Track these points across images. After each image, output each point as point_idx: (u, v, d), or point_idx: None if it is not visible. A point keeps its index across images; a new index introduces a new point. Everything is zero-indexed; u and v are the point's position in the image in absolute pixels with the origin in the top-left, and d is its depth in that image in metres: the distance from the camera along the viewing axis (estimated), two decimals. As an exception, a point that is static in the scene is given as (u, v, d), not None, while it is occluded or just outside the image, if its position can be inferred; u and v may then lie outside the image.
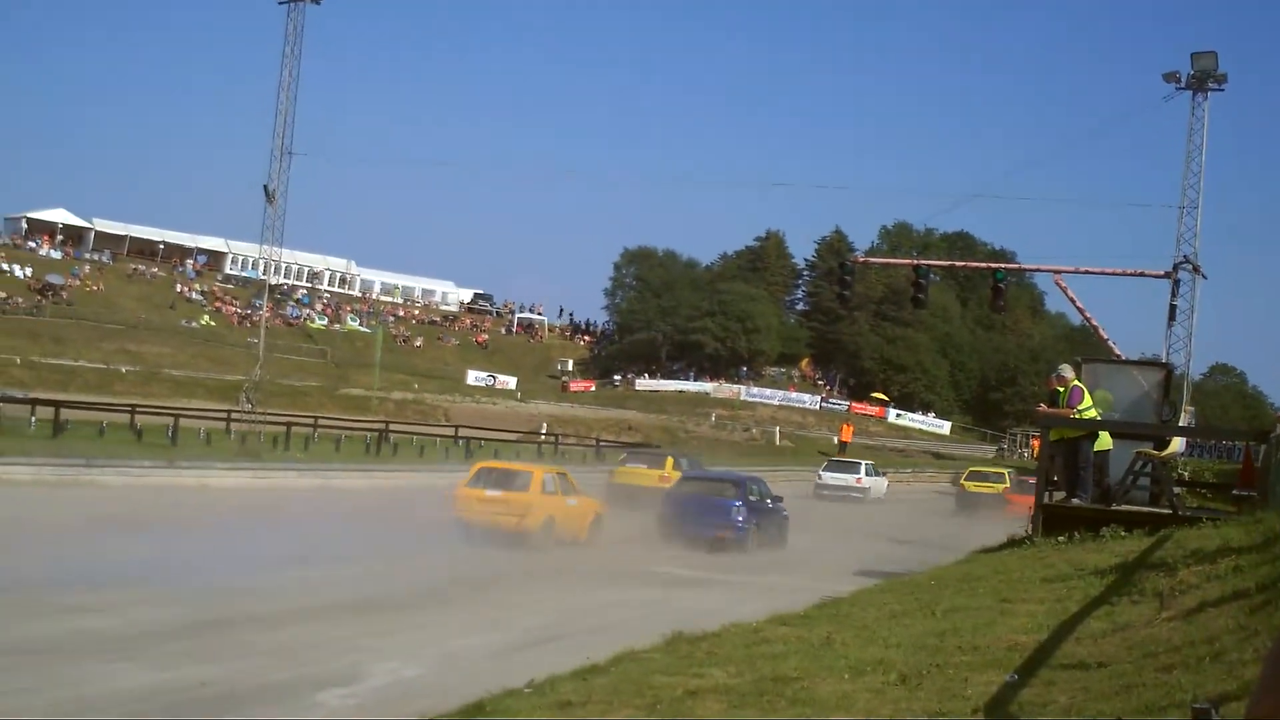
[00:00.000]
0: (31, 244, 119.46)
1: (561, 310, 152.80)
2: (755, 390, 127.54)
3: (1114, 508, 23.16)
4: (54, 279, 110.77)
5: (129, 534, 28.82)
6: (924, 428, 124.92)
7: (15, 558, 24.16)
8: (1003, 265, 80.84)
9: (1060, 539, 21.47)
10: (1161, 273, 61.49)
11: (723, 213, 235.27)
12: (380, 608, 22.10)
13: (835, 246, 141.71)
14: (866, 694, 11.52)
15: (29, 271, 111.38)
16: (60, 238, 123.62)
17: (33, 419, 47.73)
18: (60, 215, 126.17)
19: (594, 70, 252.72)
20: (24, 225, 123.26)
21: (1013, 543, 23.25)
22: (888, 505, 62.17)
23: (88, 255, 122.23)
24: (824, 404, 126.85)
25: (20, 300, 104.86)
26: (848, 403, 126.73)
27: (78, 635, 17.79)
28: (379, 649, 18.33)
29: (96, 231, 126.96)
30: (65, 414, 48.29)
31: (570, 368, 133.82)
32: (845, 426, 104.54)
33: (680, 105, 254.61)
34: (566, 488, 35.86)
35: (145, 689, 15.02)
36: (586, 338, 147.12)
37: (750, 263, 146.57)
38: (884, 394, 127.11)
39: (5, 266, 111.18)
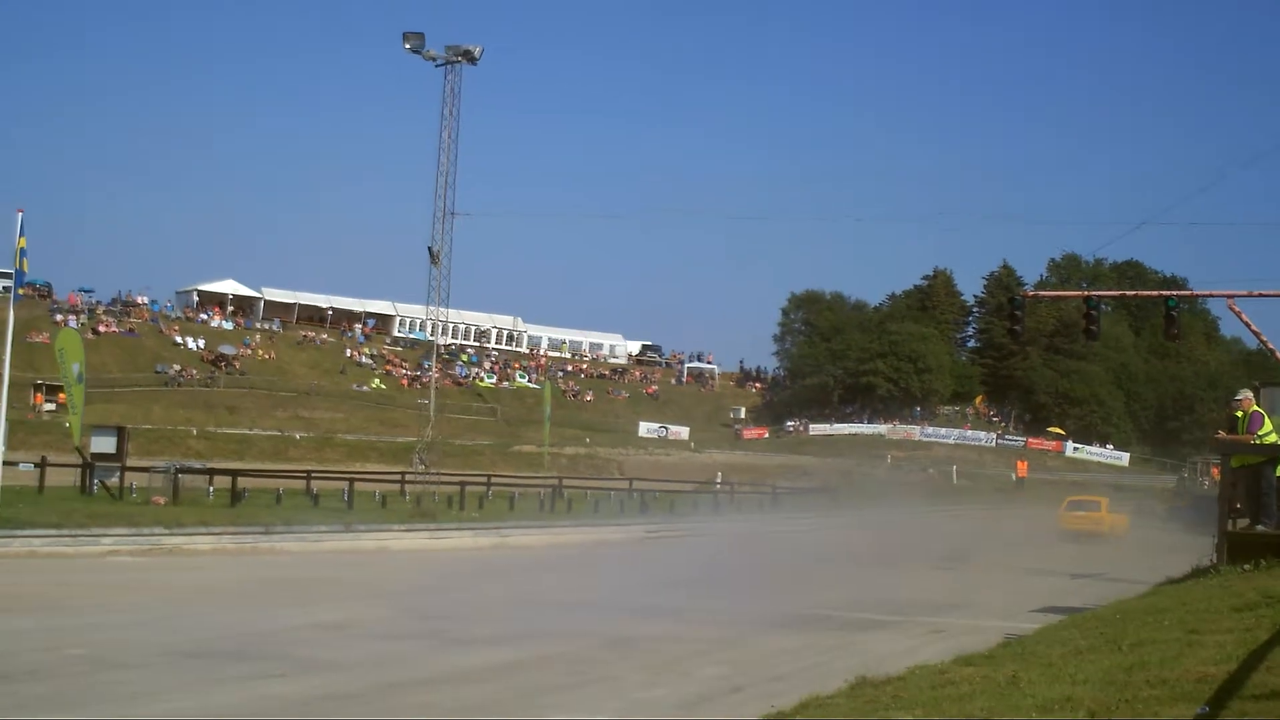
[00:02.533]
0: (203, 316, 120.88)
1: (736, 360, 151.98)
2: (930, 429, 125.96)
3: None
4: (226, 349, 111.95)
5: (306, 601, 28.16)
6: (1102, 460, 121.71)
7: (203, 623, 24.09)
8: (1175, 293, 78.39)
9: (1246, 566, 21.22)
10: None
11: (889, 253, 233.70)
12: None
13: (1004, 281, 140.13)
14: (1056, 733, 11.26)
15: (202, 343, 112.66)
16: (231, 308, 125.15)
17: (210, 489, 47.65)
18: (230, 286, 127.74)
19: (754, 115, 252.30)
20: (195, 298, 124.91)
21: (1197, 572, 23.07)
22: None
23: (258, 324, 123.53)
24: (999, 441, 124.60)
25: (194, 372, 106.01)
26: (1024, 438, 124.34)
27: (263, 700, 17.35)
28: (560, 705, 18.00)
29: (266, 300, 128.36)
30: (242, 482, 48.12)
31: (743, 415, 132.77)
32: (1020, 463, 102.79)
33: (839, 144, 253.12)
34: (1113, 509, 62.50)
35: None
36: (757, 384, 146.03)
37: (919, 302, 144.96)
38: (1060, 428, 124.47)
39: (179, 339, 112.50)
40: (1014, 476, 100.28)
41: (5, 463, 38.91)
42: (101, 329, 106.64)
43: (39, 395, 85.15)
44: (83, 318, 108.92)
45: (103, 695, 17.11)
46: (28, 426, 68.22)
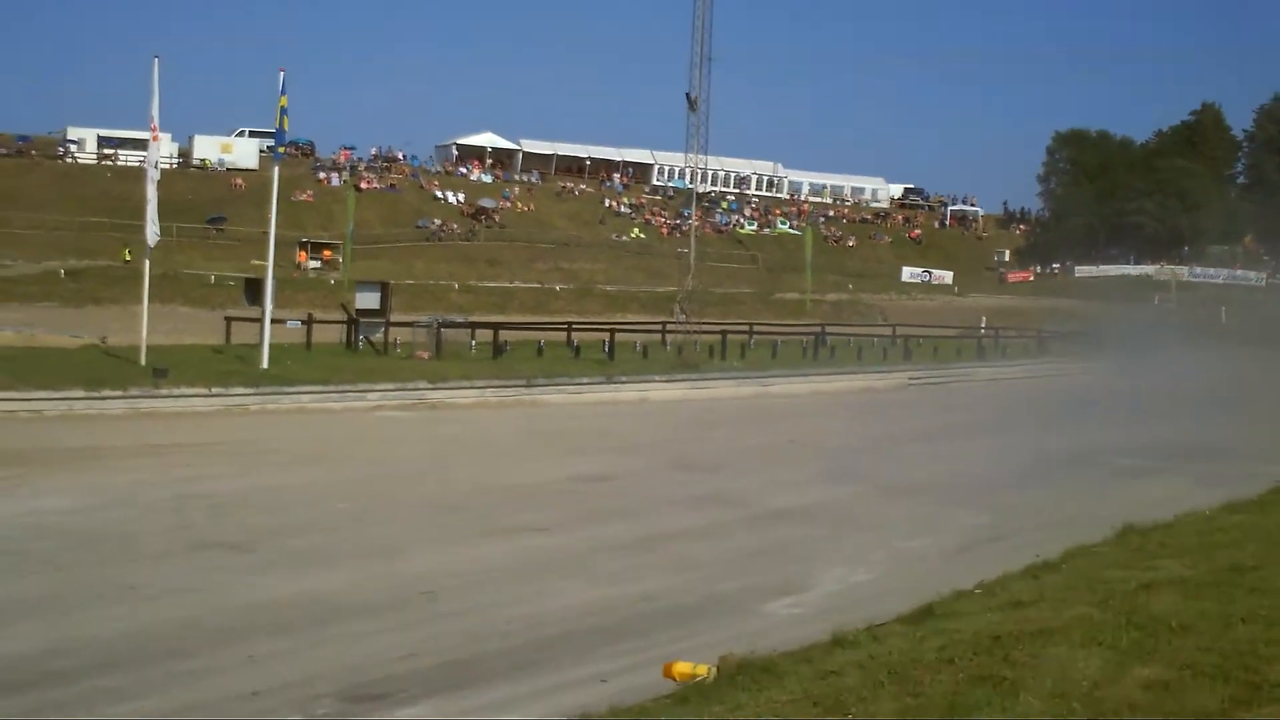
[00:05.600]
0: (463, 170, 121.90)
1: (1000, 202, 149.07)
2: (1199, 270, 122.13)
3: None
4: (486, 203, 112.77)
5: (567, 453, 28.14)
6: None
7: (465, 477, 24.35)
8: None
9: None
10: None
11: (1155, 88, 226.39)
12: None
13: (1275, 114, 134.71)
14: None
15: (462, 197, 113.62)
16: (489, 161, 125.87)
17: (473, 342, 47.89)
18: (488, 139, 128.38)
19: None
20: (454, 152, 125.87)
21: None
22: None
23: (517, 177, 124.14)
24: (1270, 280, 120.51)
25: (455, 226, 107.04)
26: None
27: (527, 553, 17.52)
28: (825, 555, 17.90)
29: (524, 153, 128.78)
30: (504, 335, 48.35)
31: (1007, 258, 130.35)
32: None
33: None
34: None
35: (596, 603, 14.74)
36: (1022, 227, 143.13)
37: (1186, 138, 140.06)
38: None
39: (439, 194, 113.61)
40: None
41: (273, 320, 39.51)
42: (363, 185, 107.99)
43: (303, 253, 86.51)
44: (345, 175, 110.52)
45: (370, 550, 17.18)
46: (293, 284, 69.41)
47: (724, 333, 54.12)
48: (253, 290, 45.52)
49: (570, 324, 55.24)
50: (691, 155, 54.19)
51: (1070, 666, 8.79)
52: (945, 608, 11.81)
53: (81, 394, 30.97)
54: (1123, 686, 8.24)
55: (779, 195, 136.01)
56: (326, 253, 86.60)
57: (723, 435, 33.07)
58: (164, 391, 32.44)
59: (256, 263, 61.52)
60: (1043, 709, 7.79)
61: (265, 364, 37.19)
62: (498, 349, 46.56)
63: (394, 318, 48.18)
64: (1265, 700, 7.88)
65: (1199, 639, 9.43)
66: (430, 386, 37.80)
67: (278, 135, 42.01)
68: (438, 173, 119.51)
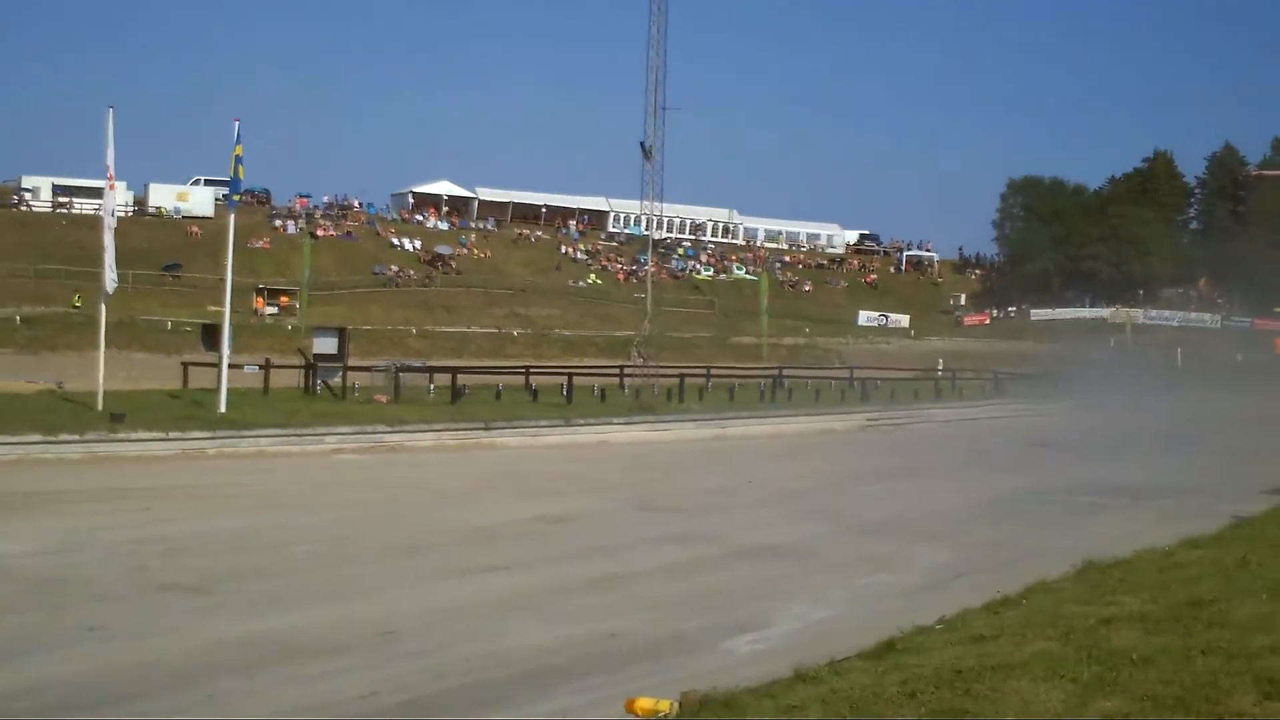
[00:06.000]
0: (419, 217, 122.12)
1: (955, 247, 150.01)
2: (1154, 313, 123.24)
3: None
4: (442, 250, 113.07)
5: (528, 495, 28.11)
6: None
7: (425, 518, 24.37)
8: None
9: None
10: None
11: (1108, 136, 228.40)
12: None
13: (1226, 162, 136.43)
14: (1286, 614, 11.29)
15: (418, 244, 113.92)
16: (446, 209, 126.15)
17: (431, 386, 47.93)
18: (444, 187, 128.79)
19: (971, 5, 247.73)
20: (410, 200, 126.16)
21: None
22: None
23: (473, 224, 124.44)
24: (1225, 323, 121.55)
25: (412, 273, 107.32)
26: (1250, 320, 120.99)
27: (488, 593, 17.51)
28: (787, 593, 18.02)
29: (480, 200, 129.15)
30: (462, 379, 48.27)
31: (963, 302, 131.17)
32: (1278, 341, 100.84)
33: (1054, 31, 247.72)
34: None
35: (557, 642, 14.73)
36: (977, 271, 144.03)
37: (1139, 185, 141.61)
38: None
39: (395, 241, 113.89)
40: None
41: (230, 365, 39.41)
42: (319, 233, 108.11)
43: (260, 299, 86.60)
44: (301, 222, 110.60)
45: (330, 591, 17.15)
46: (250, 330, 69.39)
47: (681, 376, 54.25)
48: (210, 336, 45.46)
49: (528, 368, 55.31)
50: (647, 202, 54.35)
51: (1033, 700, 8.88)
52: (907, 643, 11.89)
53: (38, 438, 30.75)
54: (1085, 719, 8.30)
55: (735, 241, 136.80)
56: (283, 299, 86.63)
57: (682, 477, 33.11)
58: (121, 436, 32.27)
59: (213, 309, 61.35)
60: (1006, 741, 7.84)
61: (223, 408, 37.04)
62: (456, 393, 46.51)
63: (352, 363, 48.12)
64: (1226, 731, 7.96)
65: (1160, 672, 9.52)
66: (389, 430, 37.75)
67: (233, 184, 42.01)
68: (394, 220, 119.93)
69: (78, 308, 74.87)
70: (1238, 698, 8.71)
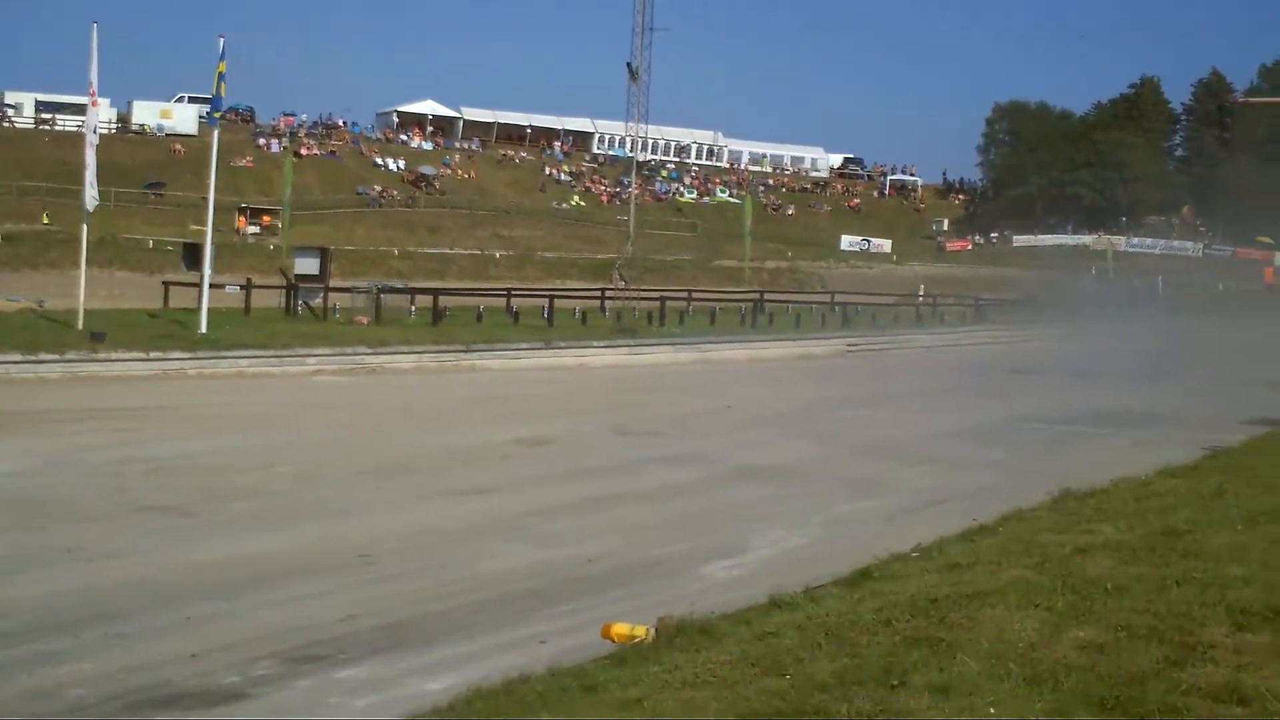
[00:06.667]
0: (403, 137, 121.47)
1: (939, 172, 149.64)
2: (1136, 240, 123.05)
3: None
4: (426, 170, 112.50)
5: (507, 418, 28.12)
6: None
7: (405, 440, 24.49)
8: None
9: None
10: None
11: (1095, 61, 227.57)
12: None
13: (1213, 89, 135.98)
14: (1262, 544, 11.51)
15: (402, 164, 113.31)
16: (430, 129, 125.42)
17: (412, 308, 47.84)
18: (429, 107, 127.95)
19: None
20: (395, 119, 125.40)
21: None
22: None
23: (457, 144, 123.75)
24: (1207, 251, 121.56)
25: (395, 193, 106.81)
26: (1231, 248, 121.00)
27: (467, 516, 17.56)
28: (764, 517, 18.09)
29: (465, 120, 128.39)
30: (443, 301, 48.30)
31: (945, 227, 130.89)
32: (1268, 270, 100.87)
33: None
34: None
35: (535, 566, 14.81)
36: (961, 196, 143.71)
37: (1125, 111, 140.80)
38: (1270, 238, 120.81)
39: (379, 161, 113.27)
40: (1265, 284, 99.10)
41: (211, 285, 39.33)
42: (303, 152, 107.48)
43: (242, 218, 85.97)
44: (285, 141, 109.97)
45: (310, 513, 17.19)
46: (232, 249, 69.00)
47: (662, 300, 54.28)
48: (191, 255, 45.40)
49: (509, 290, 55.22)
50: (632, 124, 54.19)
51: (1006, 628, 8.89)
52: (882, 570, 11.92)
53: (18, 357, 30.77)
54: (1058, 647, 8.34)
55: (719, 164, 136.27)
56: (265, 218, 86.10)
57: (661, 401, 33.12)
58: (101, 355, 32.31)
59: (195, 228, 61.16)
60: (979, 669, 7.86)
61: (204, 328, 37.02)
62: (437, 315, 46.50)
63: (333, 283, 48.08)
64: (1199, 660, 8.00)
65: (1134, 601, 9.55)
66: (370, 351, 37.77)
67: (214, 101, 41.92)
68: (378, 140, 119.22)
69: (46, 224, 74.58)
70: (1211, 628, 8.73)
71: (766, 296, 64.52)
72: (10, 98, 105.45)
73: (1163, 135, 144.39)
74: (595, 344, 44.79)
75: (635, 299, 51.82)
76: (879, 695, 7.41)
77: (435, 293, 49.68)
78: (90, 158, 37.58)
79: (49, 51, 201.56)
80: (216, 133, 41.72)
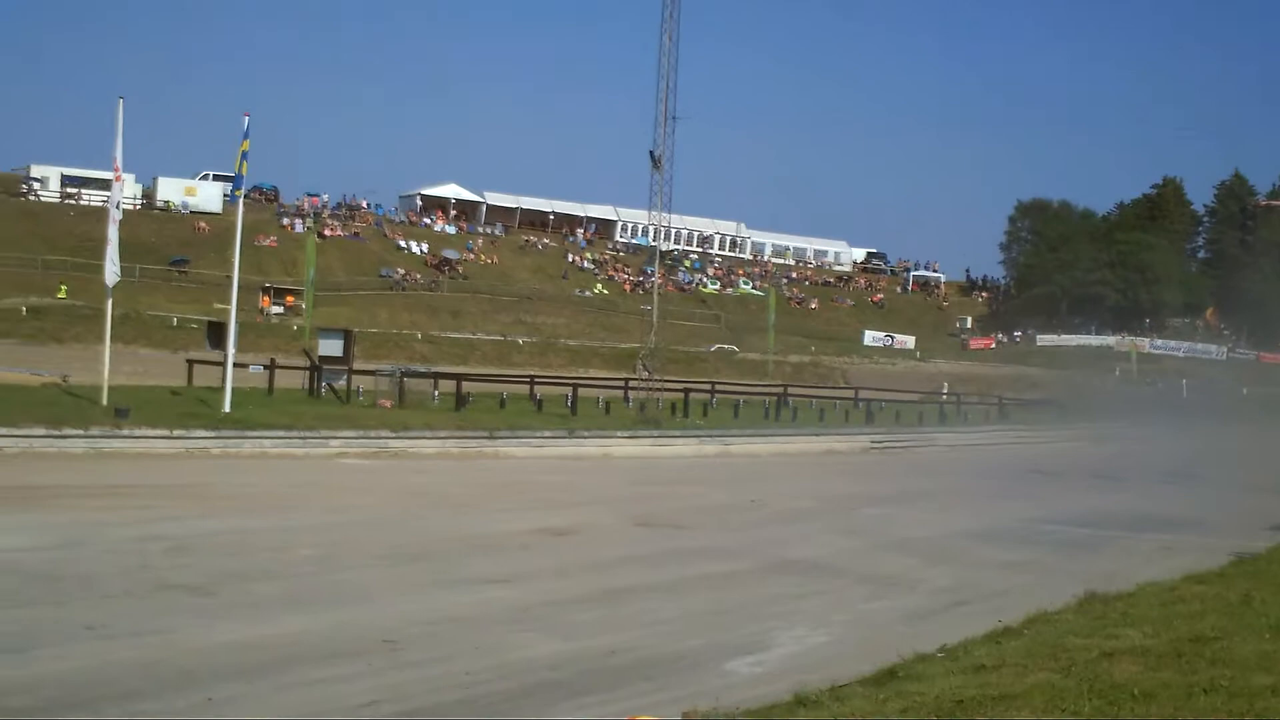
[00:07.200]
0: (426, 220, 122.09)
1: (962, 269, 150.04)
2: (1159, 342, 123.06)
3: None
4: (449, 254, 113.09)
5: (530, 507, 28.09)
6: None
7: (427, 526, 24.46)
8: None
9: None
10: None
11: (1117, 162, 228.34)
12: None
13: (1235, 191, 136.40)
14: (1289, 653, 11.27)
15: (425, 247, 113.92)
16: (453, 212, 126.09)
17: (435, 392, 47.92)
18: (452, 190, 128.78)
19: (984, 24, 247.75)
20: (418, 202, 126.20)
21: None
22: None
23: (480, 229, 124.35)
24: (1231, 354, 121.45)
25: (418, 276, 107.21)
26: (1255, 353, 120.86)
27: (489, 605, 17.37)
28: (788, 614, 17.87)
29: (488, 205, 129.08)
30: (466, 386, 48.33)
31: (969, 325, 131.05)
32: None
33: (1066, 53, 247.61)
34: None
35: (558, 656, 14.60)
36: (984, 294, 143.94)
37: (1148, 211, 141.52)
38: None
39: (402, 243, 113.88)
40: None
41: (235, 364, 39.43)
42: (327, 232, 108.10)
43: (266, 298, 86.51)
44: (309, 221, 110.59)
45: (332, 597, 17.12)
46: (256, 328, 69.45)
47: (686, 390, 54.28)
48: (215, 333, 45.50)
49: (533, 378, 55.38)
50: (655, 212, 54.39)
51: (1033, 733, 8.83)
52: (908, 670, 11.86)
53: (42, 432, 30.83)
54: (1086, 753, 8.29)
55: (742, 255, 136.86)
56: (289, 298, 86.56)
57: (685, 493, 33.00)
58: (125, 432, 32.34)
59: (219, 306, 61.33)
60: (1007, 773, 7.81)
61: (227, 407, 37.07)
62: (460, 400, 46.56)
63: (357, 365, 48.15)
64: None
65: (1160, 708, 9.51)
66: (393, 435, 37.77)
67: (236, 179, 42.08)
68: (401, 222, 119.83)
69: (61, 298, 75.08)
70: (1238, 736, 8.68)
71: (790, 390, 64.46)
72: (36, 171, 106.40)
73: (1185, 236, 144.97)
74: (619, 434, 44.71)
75: (659, 389, 51.81)
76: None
77: (458, 378, 49.75)
78: (113, 233, 37.69)
79: (75, 126, 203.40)
80: (241, 211, 42.00)
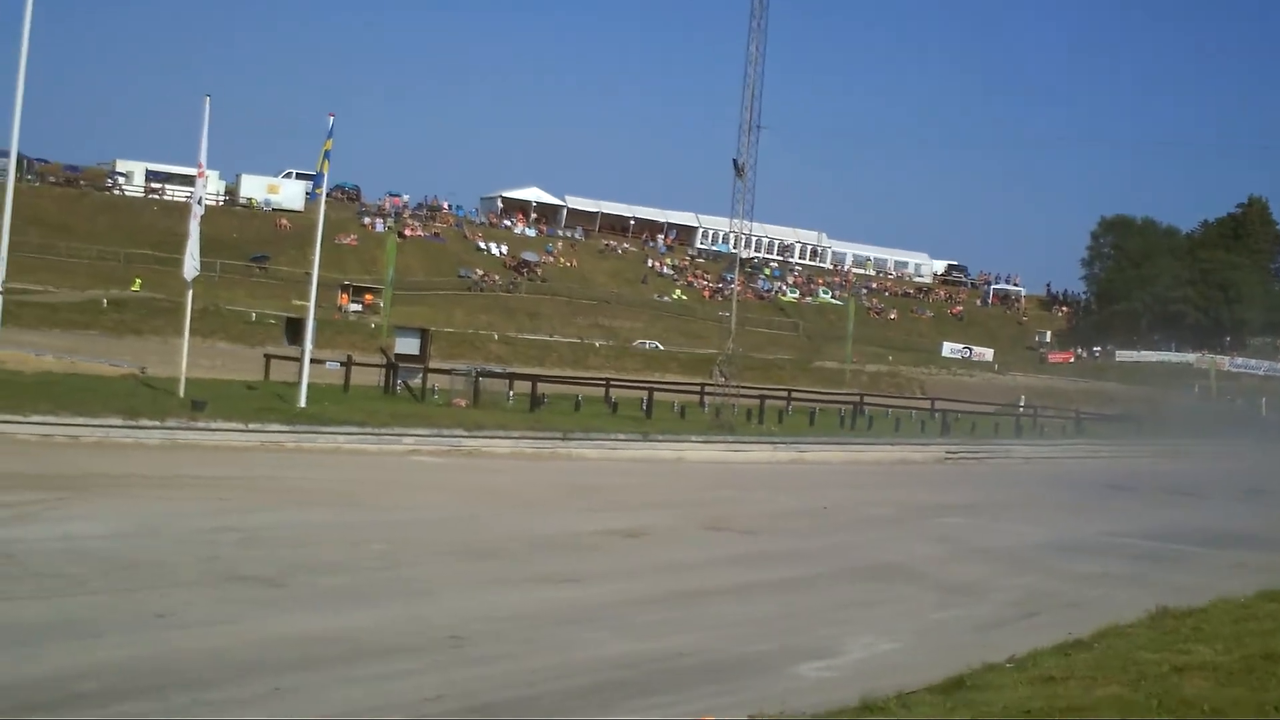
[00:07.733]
0: (506, 222, 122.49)
1: (1043, 283, 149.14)
2: (1239, 360, 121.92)
3: None
4: (529, 256, 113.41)
5: (600, 508, 28.07)
6: None
7: (497, 524, 24.42)
8: None
9: None
10: None
11: (1202, 179, 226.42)
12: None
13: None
14: (1361, 672, 11.09)
15: (505, 249, 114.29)
16: (534, 216, 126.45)
17: (510, 393, 47.94)
18: (533, 194, 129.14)
19: (1066, 32, 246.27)
20: (499, 204, 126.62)
21: None
22: None
23: (560, 232, 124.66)
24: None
25: (497, 277, 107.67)
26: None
27: (557, 603, 17.37)
28: (857, 620, 17.87)
29: (569, 209, 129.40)
30: (541, 388, 48.44)
31: (1048, 339, 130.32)
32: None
33: (1154, 71, 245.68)
34: None
35: (625, 656, 14.56)
36: (1064, 309, 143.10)
37: (1231, 230, 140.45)
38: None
39: (482, 245, 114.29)
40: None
41: (312, 360, 39.59)
42: (407, 232, 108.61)
43: (345, 296, 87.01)
44: (390, 221, 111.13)
45: (400, 591, 17.14)
46: (333, 326, 69.78)
47: (762, 398, 54.11)
48: (293, 330, 45.72)
49: (609, 380, 55.39)
50: (736, 220, 54.24)
51: (1102, 745, 8.72)
52: (976, 680, 11.80)
53: (119, 422, 31.06)
54: (1156, 767, 8.18)
55: (822, 265, 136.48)
56: (368, 297, 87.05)
57: (757, 498, 32.91)
58: (201, 424, 32.53)
59: (298, 303, 61.71)
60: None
61: (303, 403, 37.25)
62: (535, 401, 46.62)
63: (433, 364, 48.27)
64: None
65: (1231, 724, 9.37)
66: (467, 434, 37.86)
67: (317, 178, 42.35)
68: (481, 224, 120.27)
69: (136, 290, 75.75)
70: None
71: (866, 399, 64.24)
72: (121, 166, 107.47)
73: (1269, 256, 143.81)
74: (693, 438, 44.65)
75: (735, 396, 51.68)
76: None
77: (534, 379, 49.83)
78: (194, 228, 38.02)
79: (161, 122, 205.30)
80: (322, 209, 42.20)
